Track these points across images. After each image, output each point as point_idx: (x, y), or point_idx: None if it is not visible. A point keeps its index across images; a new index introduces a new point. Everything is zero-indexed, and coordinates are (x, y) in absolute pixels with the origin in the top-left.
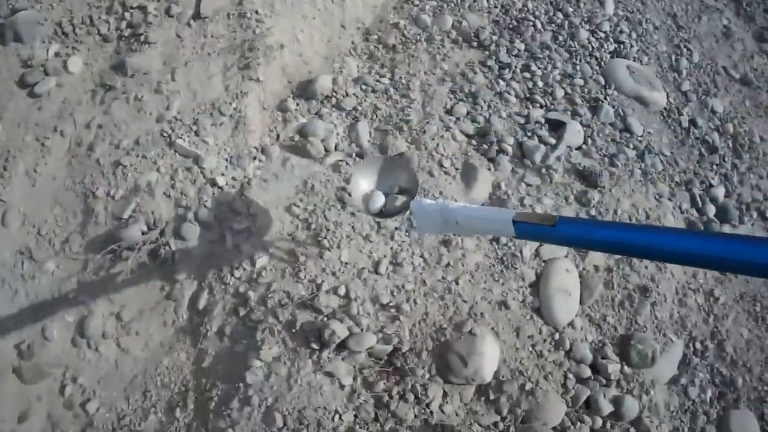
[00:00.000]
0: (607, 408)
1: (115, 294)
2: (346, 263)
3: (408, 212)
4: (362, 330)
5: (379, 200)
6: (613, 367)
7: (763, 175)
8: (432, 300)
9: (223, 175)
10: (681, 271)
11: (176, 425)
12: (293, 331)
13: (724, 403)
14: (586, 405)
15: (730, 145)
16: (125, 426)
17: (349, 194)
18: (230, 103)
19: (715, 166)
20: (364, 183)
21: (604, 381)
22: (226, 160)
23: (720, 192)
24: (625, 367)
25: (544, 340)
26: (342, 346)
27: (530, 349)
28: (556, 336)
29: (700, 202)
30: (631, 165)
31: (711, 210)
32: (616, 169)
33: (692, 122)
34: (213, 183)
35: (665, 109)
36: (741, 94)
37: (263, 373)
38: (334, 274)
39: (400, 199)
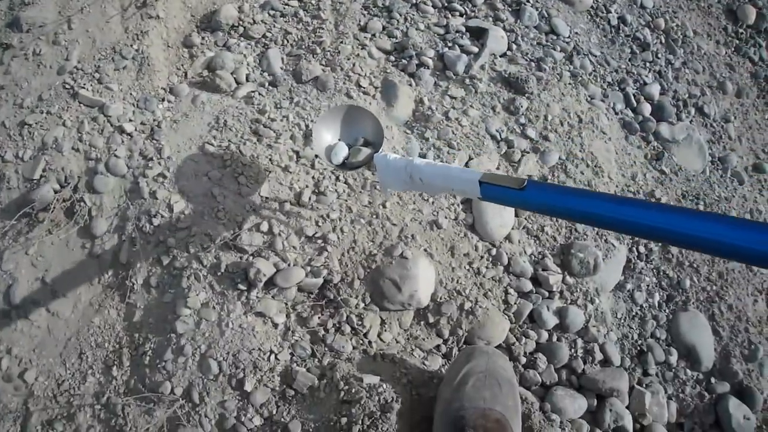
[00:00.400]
0: (551, 320)
1: (37, 258)
2: (266, 198)
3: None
4: (289, 265)
5: (342, 152)
6: (555, 279)
7: (699, 70)
8: (359, 227)
9: (130, 121)
10: (619, 174)
11: (114, 384)
12: (219, 274)
13: (672, 306)
14: (530, 319)
15: (663, 40)
16: (65, 391)
17: (312, 148)
18: (131, 45)
19: (648, 64)
20: (327, 134)
21: (547, 293)
22: (133, 105)
23: (655, 89)
24: (568, 277)
25: (481, 257)
26: (270, 283)
27: (467, 267)
28: (493, 251)
29: (634, 101)
30: (560, 68)
31: (647, 109)
32: (544, 74)
33: (621, 19)
34: (121, 130)
35: (592, 7)
36: None
37: (193, 320)
38: (254, 210)
39: (364, 152)
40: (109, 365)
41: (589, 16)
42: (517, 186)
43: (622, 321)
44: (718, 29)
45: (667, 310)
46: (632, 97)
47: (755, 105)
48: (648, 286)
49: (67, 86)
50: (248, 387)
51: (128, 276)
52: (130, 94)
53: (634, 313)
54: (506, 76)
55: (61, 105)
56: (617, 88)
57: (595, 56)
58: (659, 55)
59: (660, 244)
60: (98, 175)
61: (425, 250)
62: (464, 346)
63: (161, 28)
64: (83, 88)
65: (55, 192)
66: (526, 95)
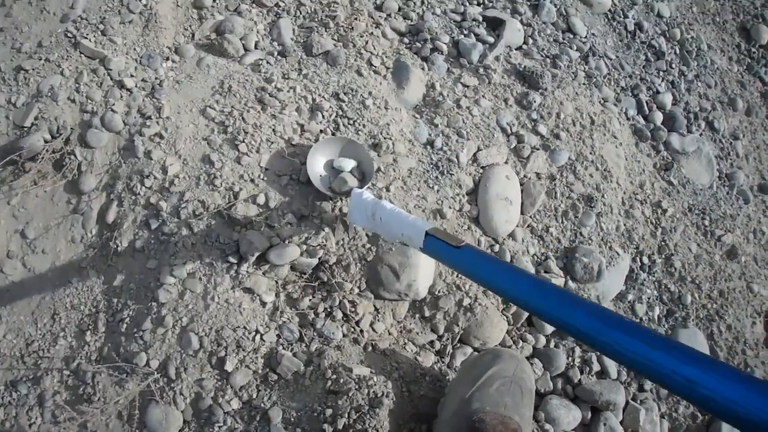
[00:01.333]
0: (550, 326)
1: (19, 210)
2: (266, 169)
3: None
4: (284, 242)
5: (348, 165)
6: (557, 282)
7: (711, 84)
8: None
9: (132, 76)
10: (628, 181)
11: (87, 350)
12: (209, 243)
13: (672, 321)
14: (528, 322)
15: (677, 51)
16: (34, 352)
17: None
18: (140, 0)
19: (662, 72)
20: (321, 159)
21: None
22: (136, 61)
23: (668, 99)
24: (570, 282)
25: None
26: (262, 259)
27: None
28: (496, 248)
29: (647, 109)
30: (575, 67)
31: (658, 117)
32: (559, 71)
33: (638, 25)
34: (121, 85)
35: (610, 10)
36: (688, 0)
37: (177, 290)
38: (253, 181)
39: (349, 184)
40: (83, 329)
41: (607, 19)
42: (455, 244)
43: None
44: (732, 46)
45: (666, 326)
46: (645, 104)
47: (764, 125)
48: (649, 298)
49: (69, 35)
50: (229, 367)
51: (113, 237)
52: (134, 49)
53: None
54: (521, 69)
55: (61, 53)
56: (630, 94)
57: (611, 59)
58: (673, 65)
59: (663, 256)
60: (92, 129)
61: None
62: (459, 344)
63: None
64: (86, 38)
65: (46, 142)
66: (540, 91)
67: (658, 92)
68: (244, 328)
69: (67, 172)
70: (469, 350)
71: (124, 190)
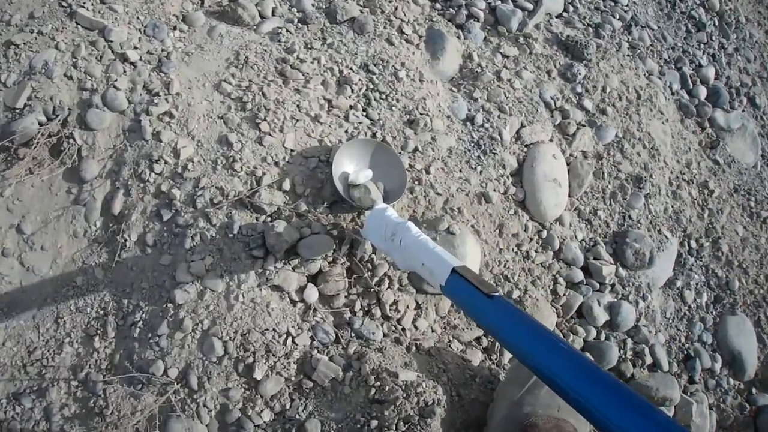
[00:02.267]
0: (602, 317)
1: (13, 202)
2: (291, 150)
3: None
4: (316, 233)
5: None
6: (608, 270)
7: (751, 58)
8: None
9: (135, 48)
10: (674, 160)
11: (96, 357)
12: (230, 236)
13: (720, 308)
14: (578, 314)
15: (716, 23)
16: (37, 361)
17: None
18: None
19: (702, 45)
20: (349, 164)
21: (598, 285)
22: (140, 31)
23: (710, 73)
24: (620, 269)
25: (531, 239)
26: (291, 252)
27: (515, 249)
28: (544, 234)
29: (690, 83)
30: (618, 37)
31: (702, 92)
32: (602, 41)
33: None
34: (124, 58)
35: None
36: None
37: (196, 290)
38: (277, 164)
39: (372, 198)
40: (90, 334)
41: None
42: (487, 291)
43: (671, 321)
44: None
45: (714, 312)
46: (689, 78)
47: None
48: (697, 284)
49: (63, 4)
50: (258, 374)
51: (120, 230)
52: (137, 18)
53: (682, 314)
54: (563, 39)
55: (55, 25)
56: (674, 67)
57: (653, 30)
58: (713, 38)
59: (711, 239)
60: (93, 109)
61: (472, 226)
62: None
63: None
64: (83, 6)
65: (41, 125)
66: (584, 62)
67: (700, 65)
68: (274, 330)
69: (66, 159)
70: None
71: (131, 177)
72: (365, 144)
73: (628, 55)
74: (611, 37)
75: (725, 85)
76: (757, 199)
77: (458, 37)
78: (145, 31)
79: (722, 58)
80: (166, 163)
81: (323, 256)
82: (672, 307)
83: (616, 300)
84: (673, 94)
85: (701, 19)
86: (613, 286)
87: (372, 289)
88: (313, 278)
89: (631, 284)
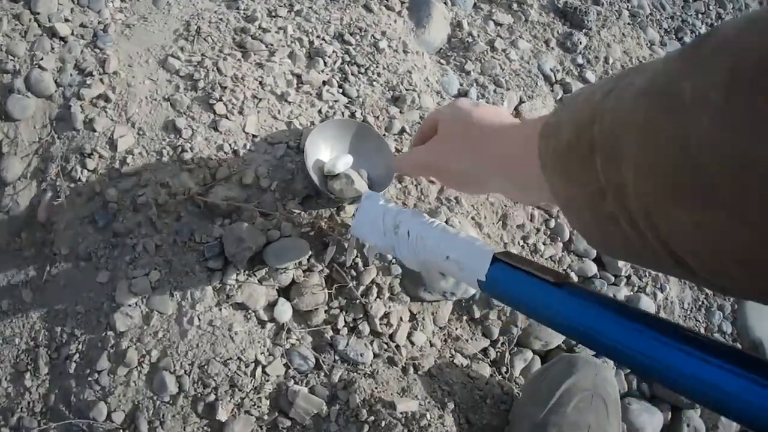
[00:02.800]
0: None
1: None
2: (254, 136)
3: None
4: (286, 236)
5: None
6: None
7: None
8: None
9: (66, 21)
10: None
11: (28, 398)
12: (181, 244)
13: None
14: None
15: None
16: None
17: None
18: None
19: (700, 15)
20: (324, 149)
21: (613, 278)
22: (73, 1)
23: None
24: None
25: (538, 230)
26: (257, 261)
27: (521, 243)
28: (551, 223)
29: None
30: (618, 4)
31: None
32: (602, 8)
33: None
34: (52, 33)
35: None
36: None
37: (141, 313)
38: (236, 153)
39: (356, 187)
40: (20, 370)
41: None
42: (553, 279)
43: (689, 312)
44: None
45: (731, 299)
46: None
47: None
48: None
49: None
50: (222, 415)
51: (49, 241)
52: None
53: (700, 303)
54: (560, 5)
55: None
56: (674, 37)
57: None
58: (710, 7)
59: None
60: (14, 95)
61: (473, 218)
62: (515, 348)
63: None
64: None
65: None
66: (585, 30)
67: (700, 36)
68: (239, 359)
69: None
70: (530, 355)
71: (59, 175)
72: (343, 125)
73: (629, 24)
74: (611, 4)
75: None
76: None
77: (445, 3)
78: (78, 1)
79: None
80: (100, 157)
81: (296, 263)
82: (689, 296)
83: (633, 293)
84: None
85: None
86: (629, 278)
87: (358, 301)
88: (285, 291)
89: (648, 274)
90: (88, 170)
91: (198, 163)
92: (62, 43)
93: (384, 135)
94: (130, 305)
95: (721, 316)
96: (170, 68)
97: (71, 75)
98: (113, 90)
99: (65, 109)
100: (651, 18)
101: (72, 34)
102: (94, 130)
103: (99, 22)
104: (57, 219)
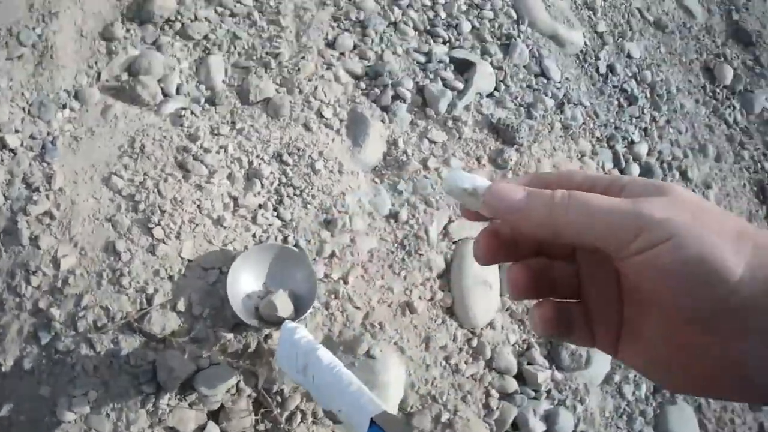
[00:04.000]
0: (539, 428)
1: None
2: (189, 261)
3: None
4: (215, 363)
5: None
6: (544, 376)
7: (682, 130)
8: (310, 311)
9: (17, 132)
10: None
11: None
12: (116, 367)
13: (659, 398)
14: (514, 426)
15: (648, 95)
16: None
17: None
18: (34, 28)
19: (635, 119)
20: (248, 278)
21: (533, 393)
22: (24, 110)
23: (643, 149)
24: (556, 372)
25: (460, 350)
26: (187, 386)
27: (443, 364)
28: (474, 342)
29: (623, 161)
30: (551, 117)
31: (635, 170)
32: (535, 122)
33: (610, 68)
34: (3, 144)
35: (582, 51)
36: (656, 39)
37: (79, 430)
38: (171, 278)
39: (279, 313)
40: None
41: (578, 61)
42: None
43: (610, 420)
44: (698, 87)
45: (654, 403)
46: (621, 156)
47: (732, 171)
48: (635, 376)
49: None
50: None
51: None
52: (22, 94)
53: (622, 410)
54: (494, 121)
55: None
56: (606, 145)
57: (585, 107)
58: (645, 111)
59: None
60: None
61: (395, 343)
62: None
63: (76, 11)
64: None
65: None
66: (516, 146)
67: (633, 142)
68: None
69: None
70: None
71: (5, 289)
72: (264, 251)
73: (560, 136)
74: (544, 117)
75: (657, 160)
76: None
77: (383, 121)
78: (29, 110)
79: (654, 131)
80: (44, 274)
81: (226, 389)
82: (611, 404)
83: (552, 407)
84: (606, 174)
85: (633, 92)
86: (549, 392)
87: (282, 426)
88: (214, 415)
89: (568, 388)
90: (33, 287)
91: (135, 288)
92: (12, 154)
93: (314, 259)
94: (69, 422)
95: (643, 421)
96: (113, 187)
97: (19, 189)
98: (58, 207)
99: (12, 223)
100: (584, 127)
101: (21, 145)
102: (39, 248)
103: (48, 133)
104: (2, 331)
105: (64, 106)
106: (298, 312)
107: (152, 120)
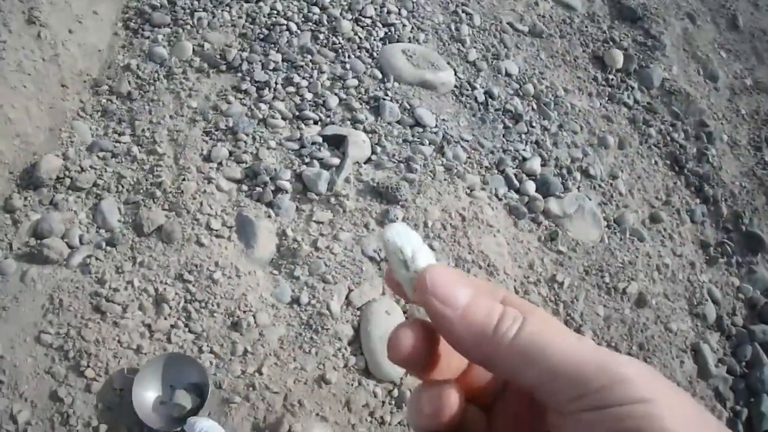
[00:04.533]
0: None
1: None
2: (121, 390)
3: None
4: None
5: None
6: None
7: (577, 130)
8: (234, 407)
9: None
10: (515, 267)
11: None
12: None
13: None
14: None
15: (535, 107)
16: None
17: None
18: None
19: (523, 136)
20: (149, 392)
21: None
22: None
23: (536, 163)
24: None
25: (383, 403)
26: None
27: (369, 419)
28: (395, 392)
29: (516, 182)
30: (431, 164)
31: (531, 187)
32: (416, 174)
33: (488, 93)
34: None
35: (456, 87)
36: (534, 48)
37: None
38: (110, 409)
39: (187, 410)
40: None
41: (454, 97)
42: None
43: None
44: (588, 81)
45: None
46: (513, 178)
47: (639, 152)
48: None
49: None
50: None
51: None
52: None
53: None
54: (374, 185)
55: None
56: (496, 171)
57: (467, 141)
58: (533, 124)
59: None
60: None
61: (317, 414)
62: None
63: None
64: None
65: None
66: (400, 203)
67: (524, 159)
68: None
69: None
70: None
71: None
72: (153, 365)
73: (445, 179)
74: (424, 167)
75: (555, 167)
76: (611, 272)
77: (269, 216)
78: None
79: (547, 140)
80: (7, 431)
81: None
82: None
83: None
84: (500, 199)
85: (517, 109)
86: None
87: None
88: None
89: None
90: None
91: (83, 424)
92: None
93: (230, 359)
94: None
95: None
96: (44, 343)
97: None
98: (4, 372)
99: None
100: (470, 161)
101: None
102: None
103: None
104: None
105: None
106: (201, 399)
107: (65, 274)
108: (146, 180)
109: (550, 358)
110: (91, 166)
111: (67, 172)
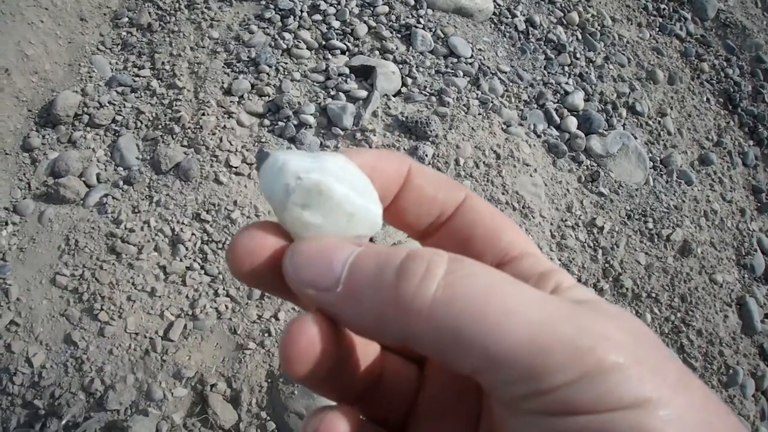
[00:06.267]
0: None
1: None
2: (135, 335)
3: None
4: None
5: None
6: None
7: (624, 62)
8: (249, 353)
9: None
10: (553, 209)
11: None
12: None
13: None
14: None
15: (579, 36)
16: None
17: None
18: None
19: (566, 68)
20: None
21: None
22: None
23: (578, 98)
24: None
25: None
26: None
27: None
28: None
29: (557, 118)
30: (465, 97)
31: (572, 123)
32: (448, 108)
33: (529, 22)
34: None
35: (494, 14)
36: None
37: None
38: (121, 357)
39: None
40: None
41: (493, 25)
42: None
43: None
44: (638, 10)
45: None
46: (554, 113)
47: (690, 88)
48: None
49: None
50: None
51: None
52: None
53: None
54: (403, 119)
55: None
56: (536, 106)
57: (505, 73)
58: (578, 55)
59: (611, 279)
60: None
61: None
62: None
63: None
64: None
65: None
66: (431, 140)
67: (566, 93)
68: None
69: None
70: None
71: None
72: None
73: (479, 114)
74: (458, 100)
75: (599, 102)
76: (655, 218)
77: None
78: None
79: (591, 73)
80: (23, 373)
81: None
82: None
83: None
84: (539, 136)
85: (561, 39)
86: None
87: None
88: None
89: None
90: (17, 385)
91: (96, 370)
92: None
93: (246, 303)
94: None
95: None
96: (60, 285)
97: None
98: (20, 315)
99: None
100: (507, 95)
101: None
102: (13, 352)
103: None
104: (5, 425)
105: (6, 223)
106: None
107: (81, 214)
108: (165, 115)
109: (488, 335)
110: (109, 102)
111: (85, 109)
